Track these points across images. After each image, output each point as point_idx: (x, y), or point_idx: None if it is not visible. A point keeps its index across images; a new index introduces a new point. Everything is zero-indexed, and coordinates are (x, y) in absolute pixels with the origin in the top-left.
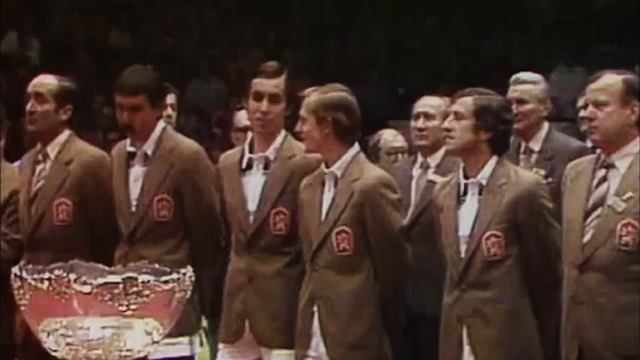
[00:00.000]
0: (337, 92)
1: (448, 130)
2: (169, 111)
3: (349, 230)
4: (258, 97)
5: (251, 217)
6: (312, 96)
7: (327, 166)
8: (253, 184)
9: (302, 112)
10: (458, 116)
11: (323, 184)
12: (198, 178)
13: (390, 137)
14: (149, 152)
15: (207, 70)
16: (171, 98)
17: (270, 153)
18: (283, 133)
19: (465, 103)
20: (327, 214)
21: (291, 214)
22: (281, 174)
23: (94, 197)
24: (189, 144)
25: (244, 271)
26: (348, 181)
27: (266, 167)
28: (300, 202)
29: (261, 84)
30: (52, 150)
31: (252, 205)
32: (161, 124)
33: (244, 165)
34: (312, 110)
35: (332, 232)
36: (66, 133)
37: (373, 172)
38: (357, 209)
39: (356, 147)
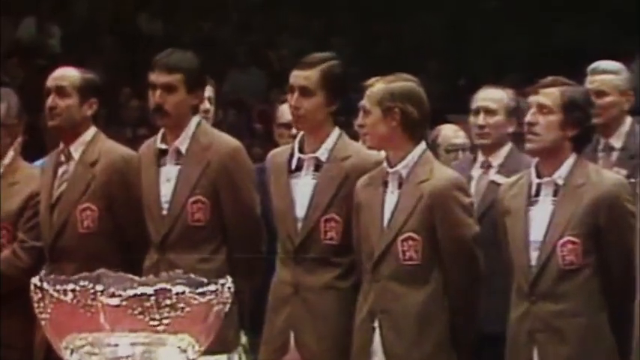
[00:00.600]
0: (405, 82)
1: (531, 124)
2: (207, 105)
3: (417, 237)
4: (290, 90)
5: (299, 224)
6: (377, 85)
7: (391, 165)
8: (302, 188)
9: (365, 103)
10: (544, 110)
11: (385, 184)
12: (238, 178)
13: (449, 133)
14: (182, 149)
15: (246, 59)
16: (209, 91)
17: (321, 154)
18: (337, 131)
19: (552, 95)
20: (390, 219)
21: (344, 222)
22: (333, 177)
23: (121, 201)
24: (227, 140)
25: (290, 282)
26: (415, 182)
27: (316, 169)
28: (357, 204)
29: (292, 76)
30: (76, 150)
31: (300, 211)
32: (196, 118)
33: (293, 166)
34: (378, 101)
35: (397, 238)
36: (91, 131)
37: (444, 173)
38: (426, 214)
39: (423, 144)
